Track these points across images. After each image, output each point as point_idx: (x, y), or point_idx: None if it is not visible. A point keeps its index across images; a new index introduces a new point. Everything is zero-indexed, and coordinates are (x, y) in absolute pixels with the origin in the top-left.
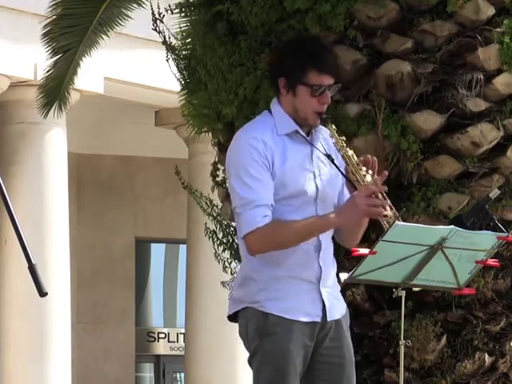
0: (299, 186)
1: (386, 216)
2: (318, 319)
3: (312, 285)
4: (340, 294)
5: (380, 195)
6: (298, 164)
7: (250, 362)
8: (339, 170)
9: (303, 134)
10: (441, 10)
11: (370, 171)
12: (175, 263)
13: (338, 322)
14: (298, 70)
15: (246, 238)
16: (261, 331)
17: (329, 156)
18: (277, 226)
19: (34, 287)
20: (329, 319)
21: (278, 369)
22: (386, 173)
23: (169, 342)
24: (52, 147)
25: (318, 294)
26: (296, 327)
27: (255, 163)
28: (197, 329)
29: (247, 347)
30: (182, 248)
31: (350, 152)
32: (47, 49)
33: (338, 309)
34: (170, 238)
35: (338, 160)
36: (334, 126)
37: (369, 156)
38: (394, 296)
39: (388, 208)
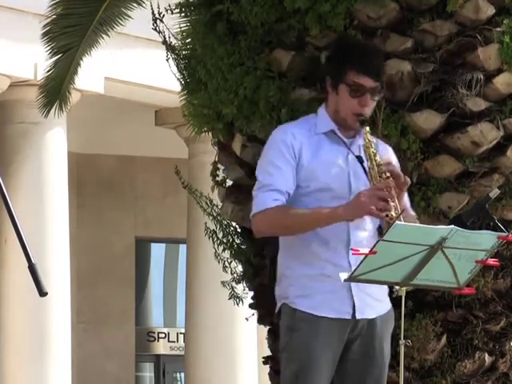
0: (328, 180)
1: (387, 216)
2: (348, 316)
3: (342, 282)
4: (383, 295)
5: (387, 194)
6: (330, 161)
7: (280, 359)
8: (365, 172)
9: (339, 134)
10: (441, 10)
11: (387, 173)
12: (175, 263)
13: (371, 322)
14: (340, 68)
15: (254, 217)
16: (290, 327)
17: (358, 157)
18: (284, 209)
19: (34, 287)
20: (358, 317)
21: (300, 366)
22: (408, 180)
23: (169, 341)
24: (52, 147)
25: (348, 291)
26: (323, 325)
27: (279, 152)
28: (197, 329)
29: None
30: (182, 248)
31: (373, 152)
32: (47, 48)
33: (374, 308)
34: (170, 237)
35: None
36: (368, 129)
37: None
38: (393, 296)
39: (392, 209)
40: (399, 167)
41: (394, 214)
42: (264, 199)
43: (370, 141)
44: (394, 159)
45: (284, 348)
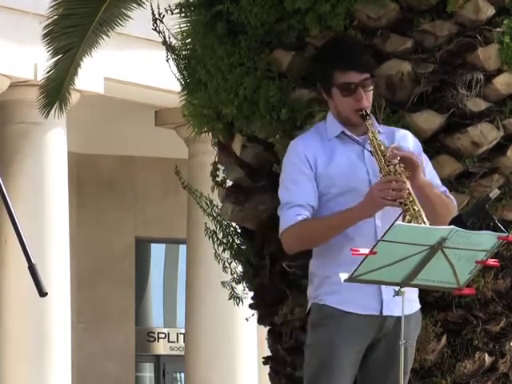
0: (347, 182)
1: (401, 204)
2: (376, 312)
3: None
4: (412, 294)
5: (397, 183)
6: (347, 163)
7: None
8: (379, 164)
9: (349, 133)
10: (441, 10)
11: (395, 160)
12: (175, 263)
13: (398, 321)
14: (326, 73)
15: (281, 236)
16: (315, 323)
17: (371, 151)
18: (305, 223)
19: (34, 287)
20: (385, 313)
21: (321, 362)
22: (416, 159)
23: (169, 341)
24: (52, 147)
25: (377, 287)
26: (350, 321)
27: (294, 166)
28: (197, 329)
29: None
30: (182, 248)
31: (378, 144)
32: (48, 49)
33: (400, 306)
34: (170, 237)
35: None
36: (370, 122)
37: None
38: (393, 296)
39: (406, 195)
40: (420, 149)
41: (407, 199)
42: (286, 217)
43: (373, 133)
44: (411, 143)
45: (308, 343)
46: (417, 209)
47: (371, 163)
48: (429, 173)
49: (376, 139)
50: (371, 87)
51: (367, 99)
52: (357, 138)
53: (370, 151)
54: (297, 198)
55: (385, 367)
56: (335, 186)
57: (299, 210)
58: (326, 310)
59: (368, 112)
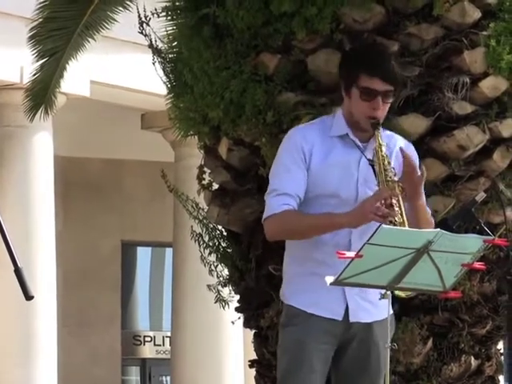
0: (335, 187)
1: (391, 222)
2: (339, 318)
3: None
4: (382, 301)
5: (393, 200)
6: (339, 166)
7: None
8: (375, 177)
9: (353, 138)
10: (427, 14)
11: (395, 177)
12: (161, 266)
13: (367, 327)
14: (352, 72)
15: (264, 222)
16: (283, 324)
17: (370, 160)
18: (290, 215)
19: (20, 291)
20: (351, 320)
21: (292, 360)
22: (420, 177)
23: (155, 345)
24: (38, 150)
25: (341, 293)
26: (315, 322)
27: (289, 154)
28: (183, 332)
29: None
30: (168, 251)
31: (382, 156)
32: (33, 52)
33: (369, 313)
34: (156, 241)
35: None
36: (379, 133)
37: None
38: (379, 299)
39: (397, 214)
40: (417, 161)
41: (397, 220)
42: (272, 204)
43: (380, 145)
44: (413, 156)
45: (279, 344)
46: None
47: (364, 172)
48: None
49: (381, 151)
50: (390, 100)
51: (383, 110)
52: (359, 143)
53: (369, 160)
54: (286, 186)
55: (358, 367)
56: (321, 187)
57: (286, 198)
58: (293, 311)
59: (380, 122)
